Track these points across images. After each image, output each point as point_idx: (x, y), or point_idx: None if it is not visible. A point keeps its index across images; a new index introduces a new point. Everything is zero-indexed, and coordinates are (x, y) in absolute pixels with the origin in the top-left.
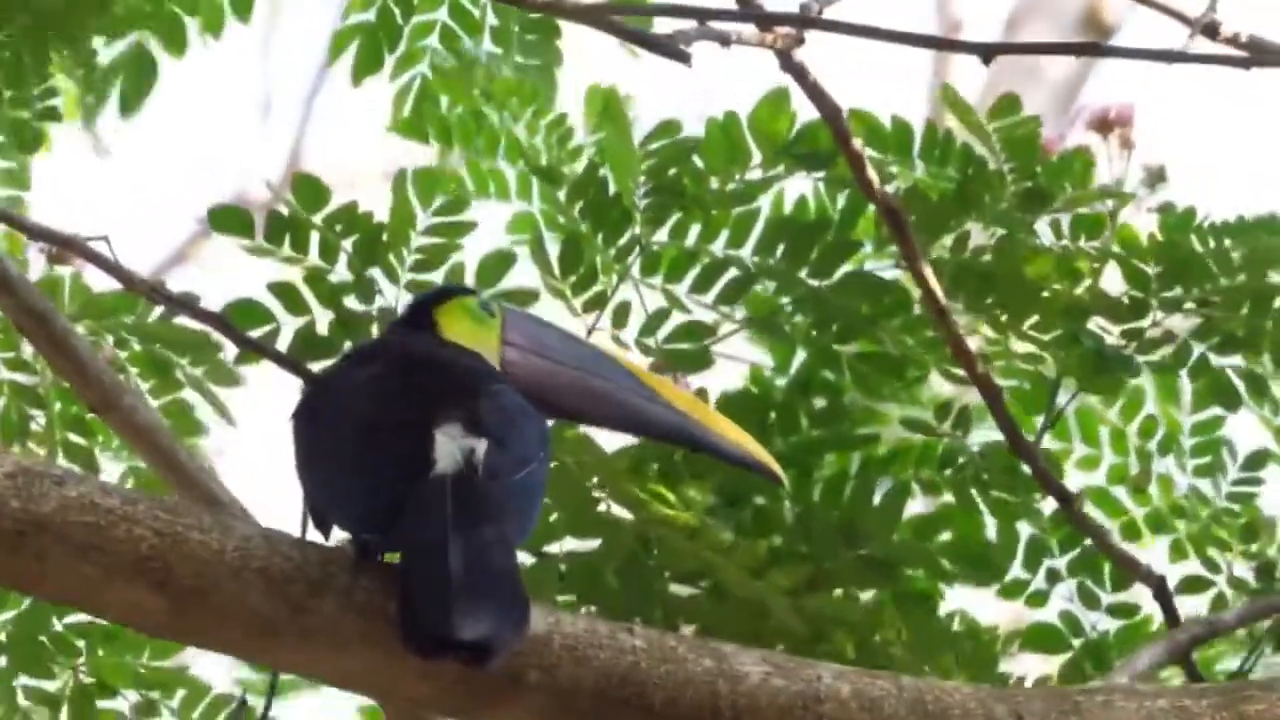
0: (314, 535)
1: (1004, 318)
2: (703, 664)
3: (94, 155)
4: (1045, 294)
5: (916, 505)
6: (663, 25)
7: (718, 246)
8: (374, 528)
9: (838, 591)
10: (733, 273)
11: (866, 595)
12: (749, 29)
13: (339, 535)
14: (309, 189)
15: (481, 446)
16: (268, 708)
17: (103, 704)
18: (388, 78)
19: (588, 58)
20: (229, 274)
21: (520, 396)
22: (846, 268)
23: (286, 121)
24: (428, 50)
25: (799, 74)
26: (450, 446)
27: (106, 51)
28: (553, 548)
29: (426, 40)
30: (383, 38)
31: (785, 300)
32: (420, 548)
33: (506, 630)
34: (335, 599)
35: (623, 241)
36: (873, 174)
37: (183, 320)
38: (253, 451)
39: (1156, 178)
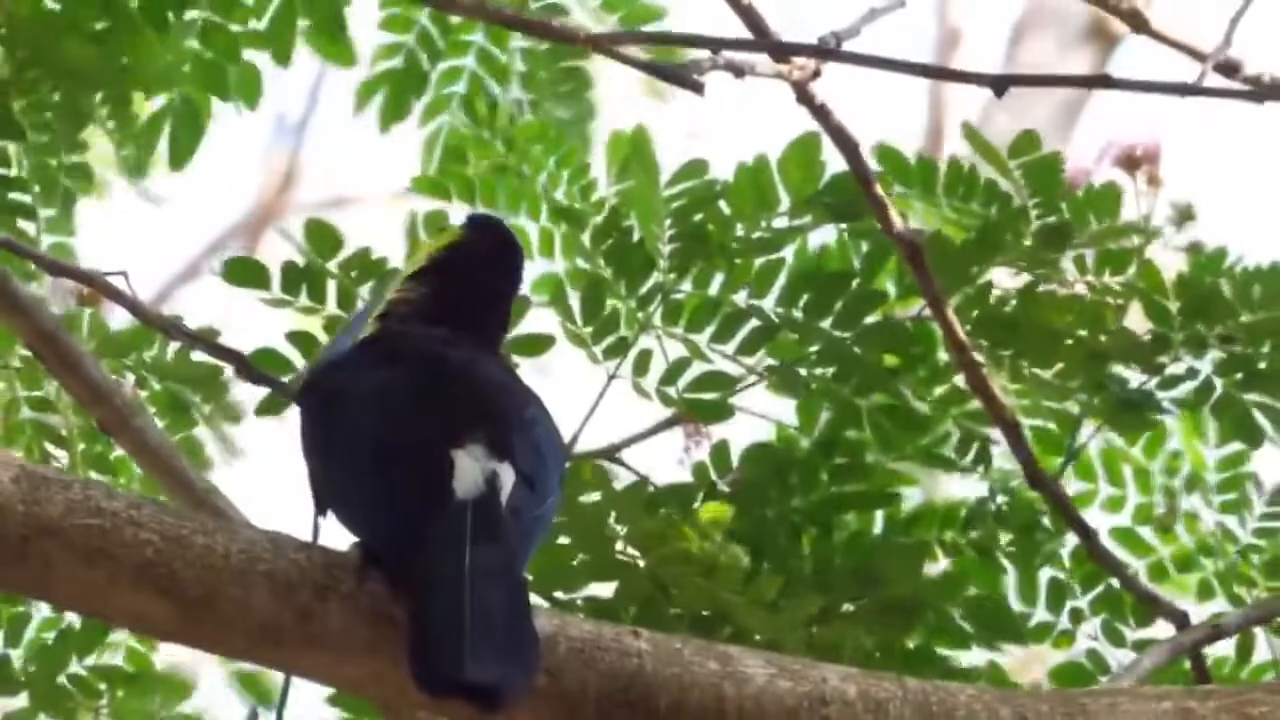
0: (320, 537)
1: (1027, 368)
2: (708, 666)
3: (147, 204)
4: (1069, 341)
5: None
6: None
7: (741, 296)
8: (386, 547)
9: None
10: (754, 323)
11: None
12: (765, 60)
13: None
14: (322, 235)
15: (505, 470)
16: (280, 711)
17: None
18: (416, 124)
19: (609, 107)
20: (241, 291)
21: (551, 421)
22: (871, 318)
23: (291, 138)
24: (455, 97)
25: (815, 108)
26: (473, 468)
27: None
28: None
29: (454, 86)
30: (410, 85)
31: (810, 350)
32: (436, 585)
33: (518, 675)
34: (341, 604)
35: (645, 289)
36: (894, 214)
37: (198, 354)
38: (263, 486)
39: (1184, 216)
